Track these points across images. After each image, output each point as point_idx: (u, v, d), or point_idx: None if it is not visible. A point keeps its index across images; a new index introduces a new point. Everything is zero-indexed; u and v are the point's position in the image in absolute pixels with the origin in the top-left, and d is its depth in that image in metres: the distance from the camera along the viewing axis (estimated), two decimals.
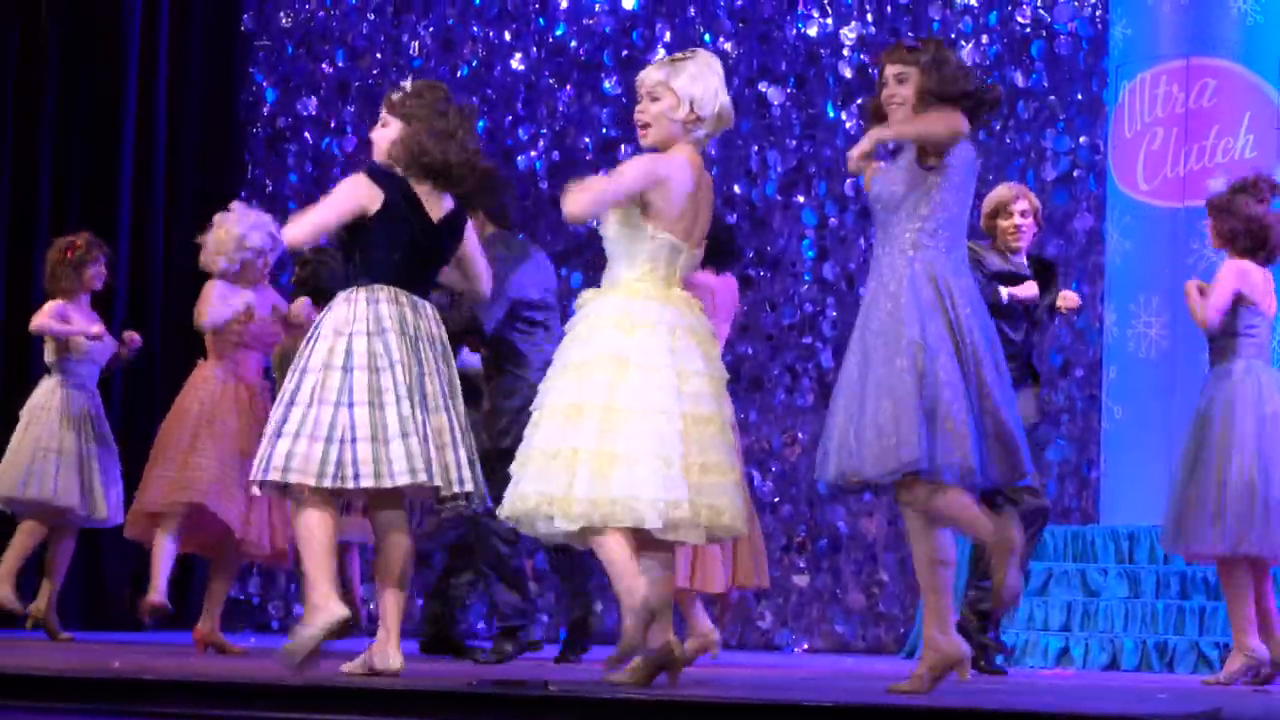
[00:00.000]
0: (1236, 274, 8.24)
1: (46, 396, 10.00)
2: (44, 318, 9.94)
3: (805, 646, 12.22)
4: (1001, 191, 8.75)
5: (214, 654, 8.65)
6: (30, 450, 9.88)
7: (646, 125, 6.41)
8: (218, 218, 9.16)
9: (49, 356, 10.08)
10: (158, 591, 8.85)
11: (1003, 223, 8.64)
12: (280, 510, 8.77)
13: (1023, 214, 8.65)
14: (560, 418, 6.25)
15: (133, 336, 10.10)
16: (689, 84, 6.39)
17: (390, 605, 6.58)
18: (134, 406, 12.13)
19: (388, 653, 6.54)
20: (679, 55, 6.48)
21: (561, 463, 6.21)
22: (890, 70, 6.40)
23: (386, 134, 6.68)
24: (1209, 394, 8.29)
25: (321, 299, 9.48)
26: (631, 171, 6.35)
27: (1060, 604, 10.24)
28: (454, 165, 6.65)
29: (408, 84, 6.79)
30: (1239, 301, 8.23)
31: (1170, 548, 8.45)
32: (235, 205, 9.28)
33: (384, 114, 6.70)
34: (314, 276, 9.57)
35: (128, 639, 10.23)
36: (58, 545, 10.02)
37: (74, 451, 9.88)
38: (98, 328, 9.95)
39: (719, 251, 8.67)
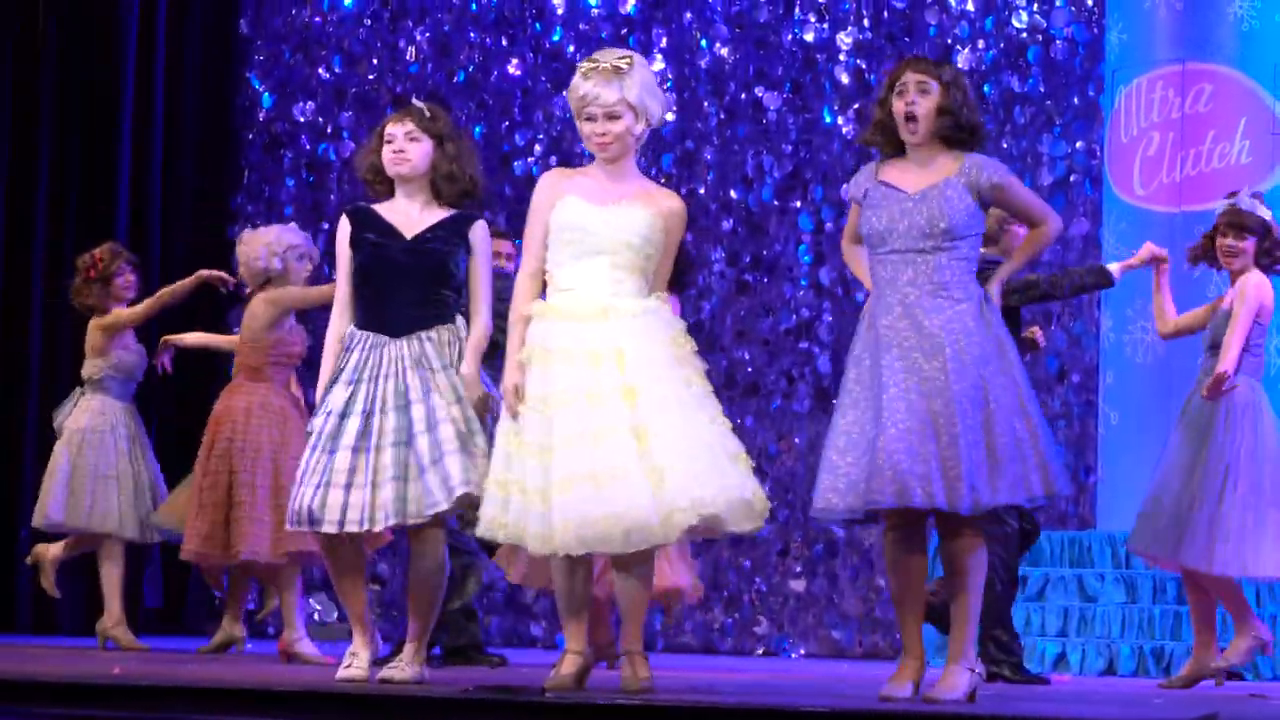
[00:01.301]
0: (1256, 295, 8.19)
1: (96, 418, 9.90)
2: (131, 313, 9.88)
3: (801, 652, 12.22)
4: None
5: (298, 664, 8.63)
6: (89, 477, 9.81)
7: (606, 143, 6.39)
8: (241, 250, 9.16)
9: (92, 373, 9.93)
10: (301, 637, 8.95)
11: (1019, 230, 8.56)
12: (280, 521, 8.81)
13: None
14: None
15: (164, 364, 9.94)
16: (641, 94, 6.38)
17: (413, 619, 6.70)
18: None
19: (402, 663, 6.62)
20: (615, 63, 6.39)
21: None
22: (913, 77, 6.27)
23: (421, 148, 6.74)
24: (1205, 406, 8.26)
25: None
26: None
27: (1057, 609, 10.24)
28: (479, 185, 6.83)
29: (421, 103, 6.87)
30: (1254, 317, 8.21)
31: (1133, 547, 8.48)
32: (245, 232, 9.34)
33: (413, 127, 6.74)
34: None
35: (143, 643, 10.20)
36: (113, 563, 9.95)
37: (130, 476, 9.85)
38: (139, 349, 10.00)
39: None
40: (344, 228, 6.81)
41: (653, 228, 6.40)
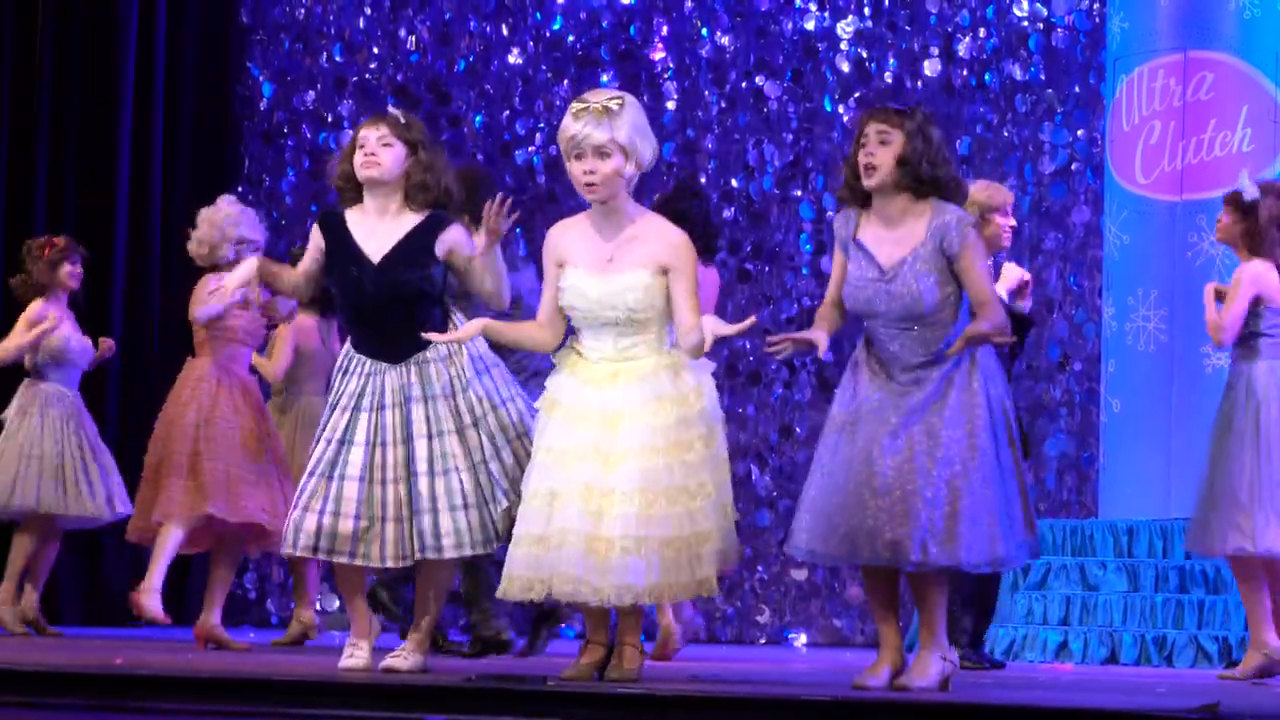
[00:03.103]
0: (1252, 280, 8.21)
1: (25, 401, 10.07)
2: (18, 338, 9.97)
3: (804, 641, 12.22)
4: (1004, 191, 8.65)
5: (214, 649, 8.64)
6: (15, 458, 9.94)
7: (594, 184, 6.33)
8: (204, 211, 9.15)
9: (27, 360, 10.11)
10: (153, 591, 8.83)
11: (1001, 220, 8.56)
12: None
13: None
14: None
15: (109, 346, 10.16)
16: (631, 135, 6.33)
17: (418, 609, 6.73)
18: (133, 404, 12.12)
19: (405, 653, 6.63)
20: (606, 103, 6.35)
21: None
22: (873, 128, 6.25)
23: (394, 154, 6.69)
24: (1232, 395, 8.27)
25: (324, 306, 9.54)
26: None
27: (1059, 598, 10.23)
28: (454, 196, 6.79)
29: (397, 111, 6.84)
30: (1259, 303, 8.21)
31: (1191, 547, 8.48)
32: (222, 199, 9.26)
33: (386, 132, 6.70)
34: None
35: (128, 635, 10.23)
36: (43, 549, 10.09)
37: (53, 455, 9.93)
38: (50, 320, 9.98)
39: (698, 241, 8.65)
40: (315, 237, 6.78)
41: (650, 289, 6.33)
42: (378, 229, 6.69)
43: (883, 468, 6.13)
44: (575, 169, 6.35)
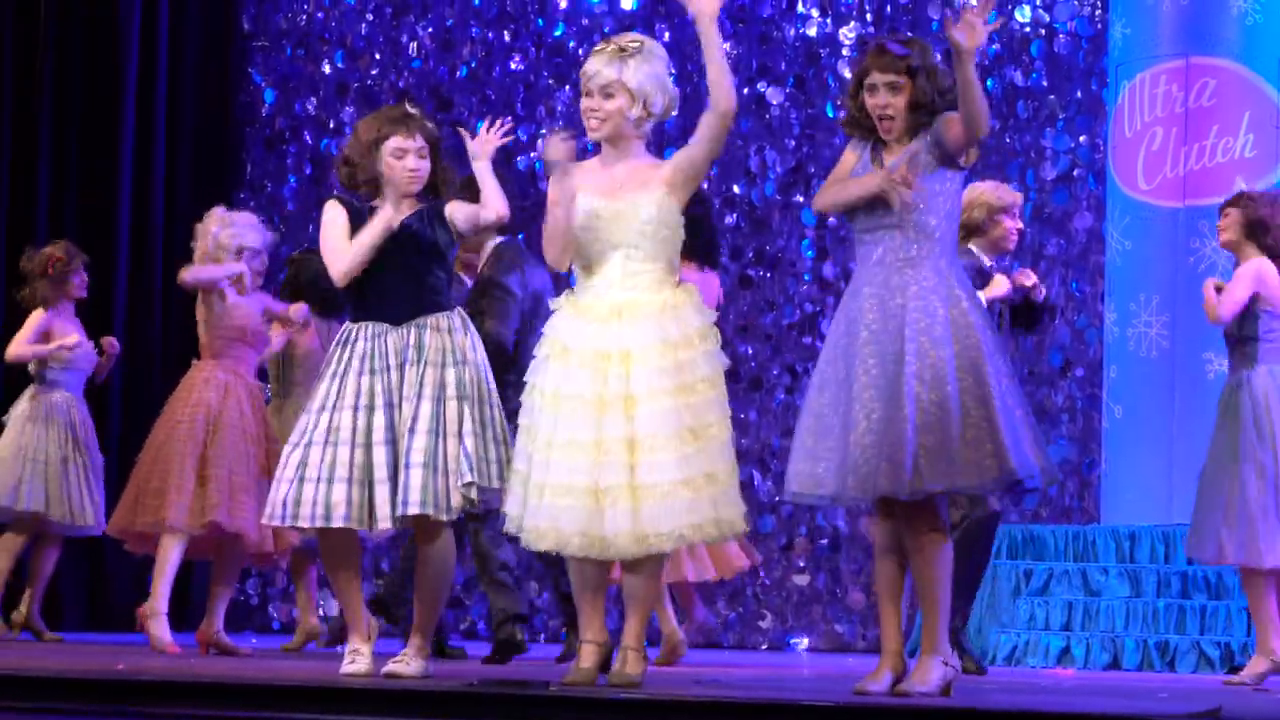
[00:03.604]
0: (1255, 273, 8.22)
1: (29, 405, 10.11)
2: (20, 346, 10.01)
3: (805, 646, 12.22)
4: (1012, 192, 8.67)
5: (216, 655, 8.64)
6: (16, 460, 9.96)
7: (595, 122, 6.41)
8: (200, 227, 9.14)
9: (32, 366, 10.17)
10: (160, 616, 8.82)
11: (1009, 223, 8.56)
12: None
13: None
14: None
15: (110, 343, 10.19)
16: (642, 80, 6.41)
17: (418, 613, 6.72)
18: (135, 409, 12.11)
19: (407, 657, 6.62)
20: (624, 44, 6.46)
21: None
22: (881, 78, 6.26)
23: (429, 163, 6.77)
24: (1228, 400, 8.27)
25: (312, 299, 9.52)
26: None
27: (1061, 603, 10.23)
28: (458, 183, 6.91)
29: (416, 109, 6.88)
30: (1257, 303, 8.20)
31: (1190, 552, 8.48)
32: (211, 213, 9.24)
33: (423, 143, 6.75)
34: (298, 277, 9.64)
35: (130, 640, 10.22)
36: (42, 552, 10.17)
37: (56, 460, 9.96)
38: (74, 338, 10.00)
39: (702, 247, 8.67)
40: (340, 214, 6.75)
41: (662, 206, 6.38)
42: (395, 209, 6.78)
43: (869, 397, 6.11)
44: (583, 105, 6.45)
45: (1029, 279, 8.45)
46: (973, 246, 8.47)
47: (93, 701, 5.91)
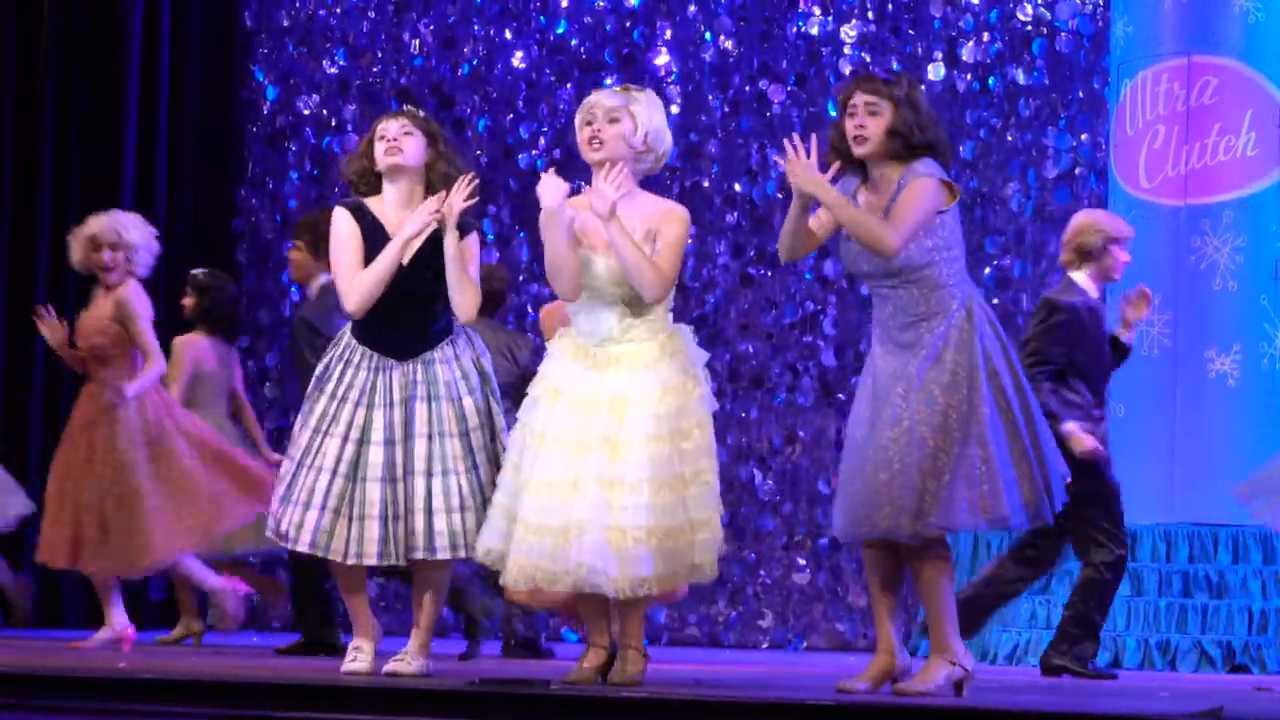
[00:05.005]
0: None
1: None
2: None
3: (806, 645, 12.21)
4: (1127, 225, 8.67)
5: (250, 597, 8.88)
6: None
7: (600, 143, 6.40)
8: (103, 227, 9.15)
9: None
10: (228, 590, 8.96)
11: (1119, 254, 8.58)
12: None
13: None
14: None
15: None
16: (647, 115, 6.45)
17: (418, 612, 6.70)
18: None
19: (408, 656, 6.61)
20: (627, 86, 6.54)
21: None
22: (861, 99, 6.25)
23: (415, 142, 6.75)
24: None
25: (213, 326, 9.60)
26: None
27: (1062, 603, 10.20)
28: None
29: (412, 107, 6.93)
30: None
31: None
32: (115, 213, 9.29)
33: (407, 123, 6.74)
34: (199, 304, 9.72)
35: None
36: None
37: None
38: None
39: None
40: (350, 227, 6.74)
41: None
42: (402, 222, 6.72)
43: (883, 440, 6.12)
44: (583, 134, 6.45)
45: (1136, 312, 8.51)
46: (1083, 274, 8.50)
47: (94, 699, 5.91)
